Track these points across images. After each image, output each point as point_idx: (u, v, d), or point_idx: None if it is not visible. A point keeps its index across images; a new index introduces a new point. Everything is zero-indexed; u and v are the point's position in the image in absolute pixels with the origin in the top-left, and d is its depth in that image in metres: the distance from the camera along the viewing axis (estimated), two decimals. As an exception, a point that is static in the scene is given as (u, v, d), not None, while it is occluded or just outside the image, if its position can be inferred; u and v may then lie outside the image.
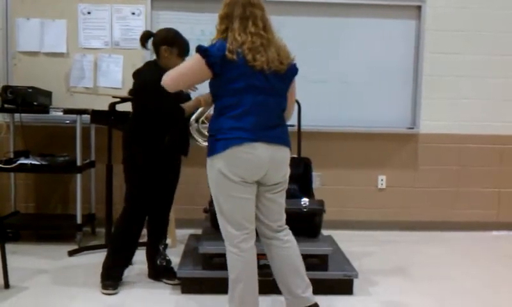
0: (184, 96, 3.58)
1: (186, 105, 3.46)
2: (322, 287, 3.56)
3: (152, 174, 3.61)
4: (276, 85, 2.88)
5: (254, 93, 2.81)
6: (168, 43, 3.56)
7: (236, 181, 2.78)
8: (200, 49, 2.79)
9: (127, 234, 3.70)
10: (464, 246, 5.02)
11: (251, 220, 2.91)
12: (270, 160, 2.83)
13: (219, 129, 2.80)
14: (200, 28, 5.01)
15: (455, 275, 4.15)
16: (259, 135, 2.80)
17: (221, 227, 2.92)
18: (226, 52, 2.74)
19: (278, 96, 2.92)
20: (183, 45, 3.59)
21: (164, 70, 3.30)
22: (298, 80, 5.02)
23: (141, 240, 3.96)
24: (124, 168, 3.64)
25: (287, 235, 3.06)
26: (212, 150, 2.81)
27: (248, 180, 2.81)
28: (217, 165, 2.78)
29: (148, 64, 3.71)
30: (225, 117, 2.80)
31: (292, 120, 4.61)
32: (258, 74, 2.79)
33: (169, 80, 2.85)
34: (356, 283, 3.68)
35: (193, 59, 2.84)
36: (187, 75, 2.86)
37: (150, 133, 3.56)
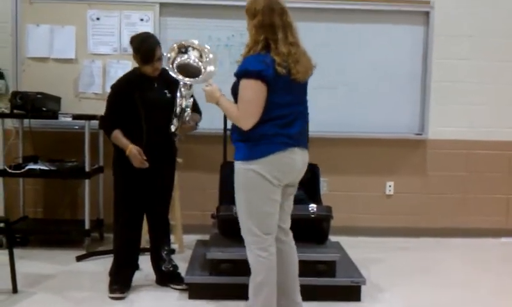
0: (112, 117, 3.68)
1: (119, 141, 3.59)
2: (329, 294, 3.56)
3: (130, 179, 3.63)
4: (306, 94, 3.03)
5: (296, 103, 2.92)
6: (134, 50, 3.63)
7: (275, 184, 2.86)
8: (252, 74, 2.76)
9: (122, 238, 3.75)
10: (473, 253, 4.99)
11: (277, 223, 2.98)
12: (302, 163, 2.97)
13: (263, 135, 2.82)
14: (208, 34, 5.02)
15: (464, 282, 4.13)
16: (298, 141, 2.92)
17: (247, 231, 2.92)
18: (276, 66, 2.76)
19: (306, 103, 3.04)
20: (143, 53, 3.57)
21: (140, 75, 3.54)
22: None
23: (146, 246, 3.99)
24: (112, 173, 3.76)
25: (292, 240, 3.15)
26: (251, 154, 2.83)
27: (283, 182, 2.90)
28: (256, 168, 2.81)
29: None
30: (270, 124, 2.83)
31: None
32: (298, 85, 2.89)
33: (243, 122, 2.81)
34: (363, 289, 3.67)
35: (250, 88, 2.78)
36: (257, 105, 2.79)
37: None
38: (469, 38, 5.34)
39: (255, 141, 2.82)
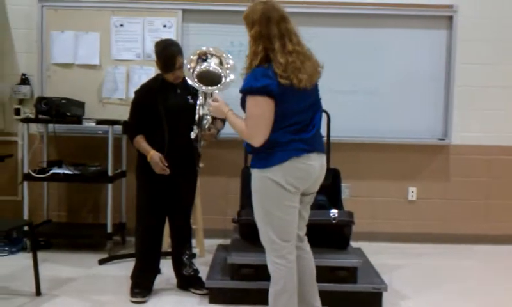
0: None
1: (141, 146, 3.64)
2: (351, 300, 3.54)
3: (153, 184, 3.66)
4: (317, 96, 2.99)
5: (308, 108, 2.89)
6: (156, 56, 3.67)
7: (291, 191, 2.82)
8: (257, 90, 2.73)
9: (144, 242, 3.78)
10: (497, 260, 4.92)
11: (296, 230, 2.95)
12: (320, 168, 2.93)
13: (276, 142, 2.80)
14: (230, 40, 5.05)
15: (487, 290, 4.07)
16: (314, 146, 2.89)
17: (266, 239, 2.90)
18: (279, 79, 2.73)
19: (320, 106, 3.01)
20: (164, 61, 3.61)
21: (163, 81, 3.60)
22: (328, 90, 5.02)
23: (168, 250, 4.01)
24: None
25: (308, 245, 3.12)
26: (266, 162, 2.80)
27: (300, 189, 2.87)
28: (271, 176, 2.79)
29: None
30: (283, 131, 2.81)
31: (321, 131, 4.65)
32: (305, 91, 2.82)
33: (253, 140, 2.79)
34: (385, 296, 3.64)
35: (256, 105, 2.75)
36: (265, 121, 2.76)
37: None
38: (492, 42, 5.28)
39: (270, 149, 2.80)
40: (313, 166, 2.87)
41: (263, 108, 2.74)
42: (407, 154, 5.33)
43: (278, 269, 2.89)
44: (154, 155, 3.56)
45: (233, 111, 2.92)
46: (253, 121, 2.77)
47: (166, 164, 3.56)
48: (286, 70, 2.73)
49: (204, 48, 3.34)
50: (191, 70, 3.26)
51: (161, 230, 3.81)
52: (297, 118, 2.83)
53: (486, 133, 5.33)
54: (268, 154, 2.80)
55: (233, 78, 3.22)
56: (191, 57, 3.30)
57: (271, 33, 2.77)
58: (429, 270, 4.52)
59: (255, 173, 2.86)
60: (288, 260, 2.89)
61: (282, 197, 2.82)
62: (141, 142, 3.64)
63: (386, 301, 3.64)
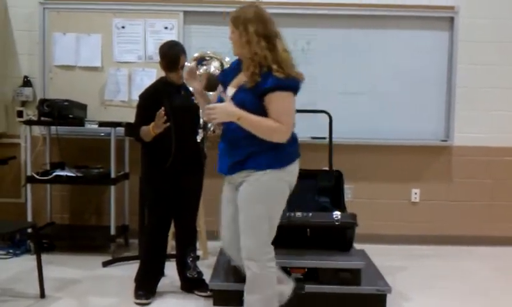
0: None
1: (144, 133, 3.60)
2: (354, 302, 3.54)
3: (159, 186, 3.66)
4: None
5: None
6: (160, 57, 3.69)
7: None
8: (291, 87, 2.77)
9: (148, 244, 3.80)
10: (500, 262, 4.92)
11: None
12: None
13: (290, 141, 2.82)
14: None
15: (491, 292, 4.07)
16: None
17: (264, 245, 2.86)
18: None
19: None
20: (168, 60, 3.64)
21: (166, 83, 3.57)
22: (330, 92, 5.05)
23: (172, 252, 4.01)
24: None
25: None
26: (281, 162, 2.80)
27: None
28: (287, 177, 2.82)
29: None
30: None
31: (323, 132, 4.66)
32: None
33: (287, 135, 2.78)
34: (389, 298, 3.63)
35: (290, 100, 2.79)
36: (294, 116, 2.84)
37: (150, 148, 3.67)
38: (494, 44, 5.28)
39: (285, 147, 2.79)
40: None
41: (294, 103, 2.80)
42: (409, 156, 5.33)
43: (270, 273, 2.88)
44: (152, 124, 3.51)
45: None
46: (290, 118, 2.78)
47: (164, 120, 3.46)
48: (287, 66, 2.74)
49: (200, 53, 3.34)
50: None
51: (166, 232, 3.81)
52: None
53: (489, 134, 5.33)
54: (280, 153, 2.79)
55: None
56: (191, 63, 3.29)
57: (267, 33, 2.77)
58: (433, 272, 4.52)
59: (271, 173, 2.79)
60: (275, 263, 2.90)
61: (286, 199, 2.83)
62: (143, 129, 3.61)
63: (390, 303, 3.64)
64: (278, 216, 2.86)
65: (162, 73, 3.76)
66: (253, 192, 2.83)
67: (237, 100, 2.78)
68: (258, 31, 2.75)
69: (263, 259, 2.85)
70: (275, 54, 2.75)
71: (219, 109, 2.80)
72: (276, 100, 2.72)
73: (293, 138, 2.84)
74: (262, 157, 2.80)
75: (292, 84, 2.75)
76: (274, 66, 2.71)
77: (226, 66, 3.27)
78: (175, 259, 3.94)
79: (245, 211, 2.85)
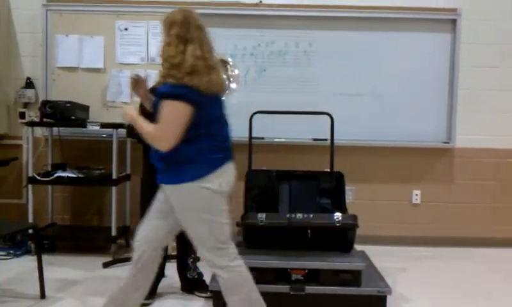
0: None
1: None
2: (355, 303, 3.53)
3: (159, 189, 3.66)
4: (224, 110, 2.99)
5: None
6: None
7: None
8: (175, 96, 2.70)
9: None
10: (502, 263, 4.91)
11: None
12: None
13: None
14: (233, 43, 5.06)
15: (492, 294, 4.06)
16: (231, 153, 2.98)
17: (217, 250, 2.84)
18: (184, 80, 2.73)
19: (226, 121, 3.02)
20: None
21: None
22: (332, 94, 5.02)
23: (172, 253, 4.00)
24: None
25: None
26: (196, 174, 2.75)
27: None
28: (207, 184, 2.76)
29: None
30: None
31: (324, 134, 4.66)
32: (217, 101, 2.88)
33: (165, 141, 2.72)
34: (389, 299, 3.62)
35: (173, 109, 2.70)
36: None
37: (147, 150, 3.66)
38: (496, 46, 5.28)
39: (196, 162, 2.77)
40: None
41: (181, 112, 2.70)
42: (411, 157, 5.33)
43: (238, 271, 2.86)
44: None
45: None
46: (168, 126, 2.72)
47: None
48: (191, 72, 2.69)
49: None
50: None
51: None
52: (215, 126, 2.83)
53: (490, 136, 5.32)
54: (196, 165, 2.76)
55: (236, 87, 3.21)
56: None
57: (188, 36, 2.75)
58: (434, 274, 4.51)
59: (187, 187, 2.76)
60: (240, 258, 2.89)
61: (216, 200, 2.81)
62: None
63: (390, 305, 3.63)
64: (217, 218, 2.80)
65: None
66: (178, 205, 2.82)
67: (154, 102, 2.84)
68: (179, 34, 2.75)
69: (224, 263, 2.84)
70: (183, 58, 2.72)
71: (123, 111, 2.88)
72: (162, 107, 2.69)
73: (209, 148, 2.79)
74: (173, 171, 2.77)
75: (175, 93, 2.67)
76: (174, 72, 2.69)
77: (232, 69, 3.28)
78: (175, 260, 3.95)
79: (183, 224, 2.86)
